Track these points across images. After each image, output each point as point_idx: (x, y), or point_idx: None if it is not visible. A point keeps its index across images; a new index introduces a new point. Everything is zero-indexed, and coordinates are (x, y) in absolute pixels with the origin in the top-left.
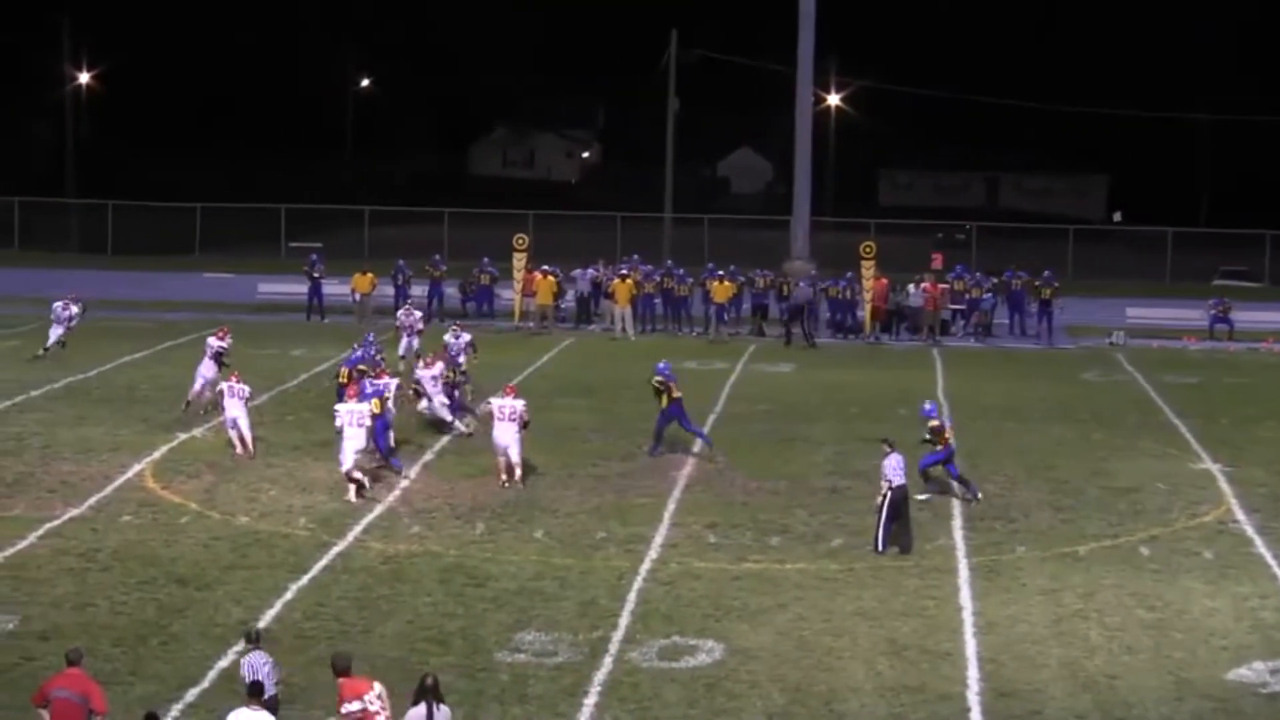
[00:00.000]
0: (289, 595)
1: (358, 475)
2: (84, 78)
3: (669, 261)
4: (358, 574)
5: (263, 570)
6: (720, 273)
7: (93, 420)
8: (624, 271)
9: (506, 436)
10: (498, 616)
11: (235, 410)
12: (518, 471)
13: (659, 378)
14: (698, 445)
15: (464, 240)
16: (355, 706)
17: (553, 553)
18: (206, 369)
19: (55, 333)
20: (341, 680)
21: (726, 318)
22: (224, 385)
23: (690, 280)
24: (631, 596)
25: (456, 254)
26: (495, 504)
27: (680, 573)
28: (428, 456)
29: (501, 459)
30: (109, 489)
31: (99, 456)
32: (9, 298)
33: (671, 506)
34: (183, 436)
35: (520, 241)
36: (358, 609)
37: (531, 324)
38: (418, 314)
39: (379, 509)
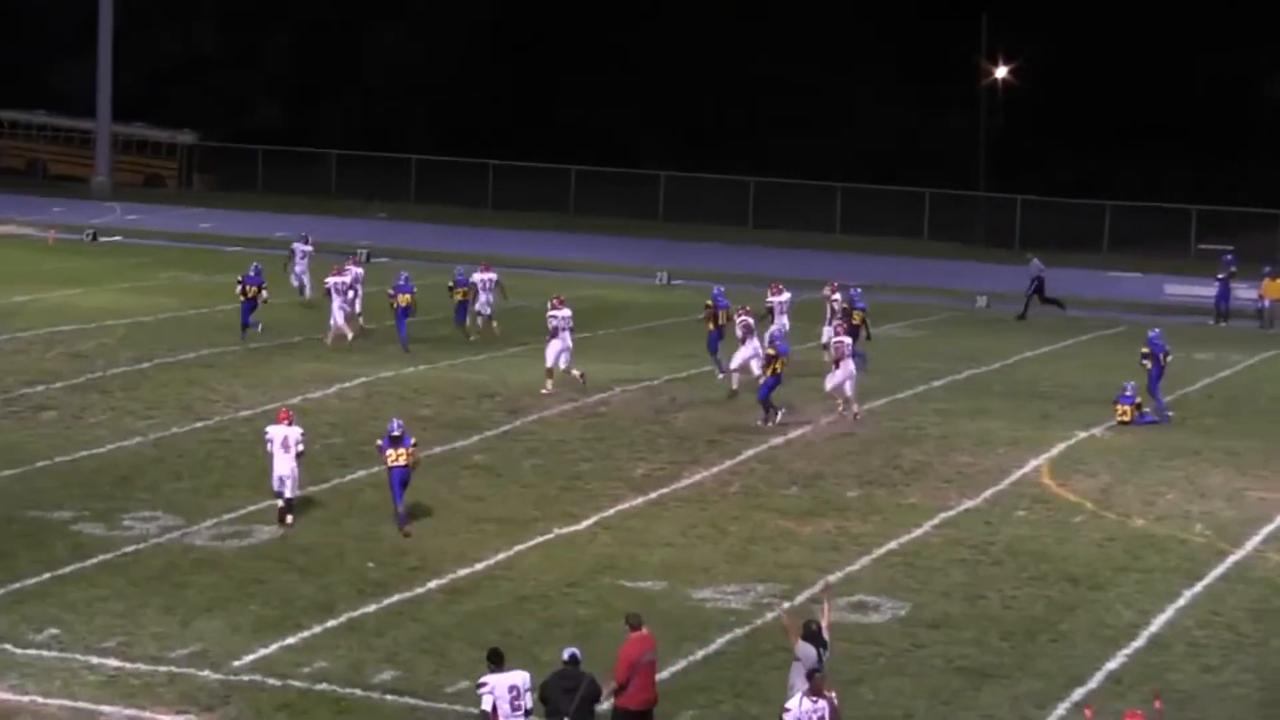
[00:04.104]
0: (1182, 601)
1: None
2: (1001, 72)
3: None
4: (1255, 584)
5: (1156, 574)
6: None
7: (992, 413)
8: None
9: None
10: None
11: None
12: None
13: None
14: None
15: None
16: None
17: None
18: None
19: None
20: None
21: None
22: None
23: None
24: None
25: None
26: None
27: None
28: None
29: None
30: (1004, 483)
31: (996, 450)
32: (917, 288)
33: None
34: (1081, 435)
35: None
36: (1253, 620)
37: None
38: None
39: (1279, 519)
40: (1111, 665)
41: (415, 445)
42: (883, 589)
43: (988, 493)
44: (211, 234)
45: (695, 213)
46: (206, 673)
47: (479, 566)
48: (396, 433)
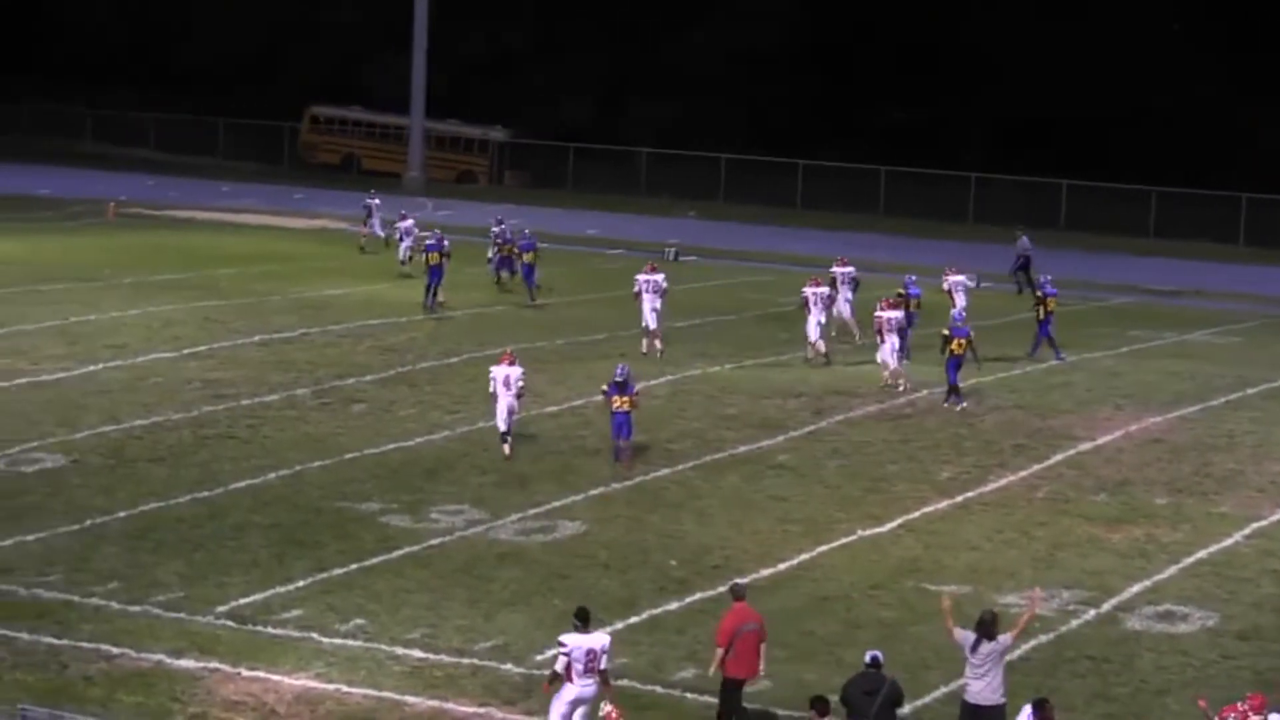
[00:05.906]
0: None
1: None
2: None
3: None
4: None
5: None
6: None
7: None
8: None
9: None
10: None
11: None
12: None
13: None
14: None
15: None
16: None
17: None
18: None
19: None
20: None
21: None
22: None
23: None
24: None
25: None
26: None
27: None
28: None
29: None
30: None
31: None
32: (1232, 294)
33: None
34: None
35: None
36: None
37: None
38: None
39: None
40: None
41: (638, 394)
42: (1191, 599)
43: None
44: None
45: (1005, 214)
46: (509, 666)
47: (782, 566)
48: (620, 378)
